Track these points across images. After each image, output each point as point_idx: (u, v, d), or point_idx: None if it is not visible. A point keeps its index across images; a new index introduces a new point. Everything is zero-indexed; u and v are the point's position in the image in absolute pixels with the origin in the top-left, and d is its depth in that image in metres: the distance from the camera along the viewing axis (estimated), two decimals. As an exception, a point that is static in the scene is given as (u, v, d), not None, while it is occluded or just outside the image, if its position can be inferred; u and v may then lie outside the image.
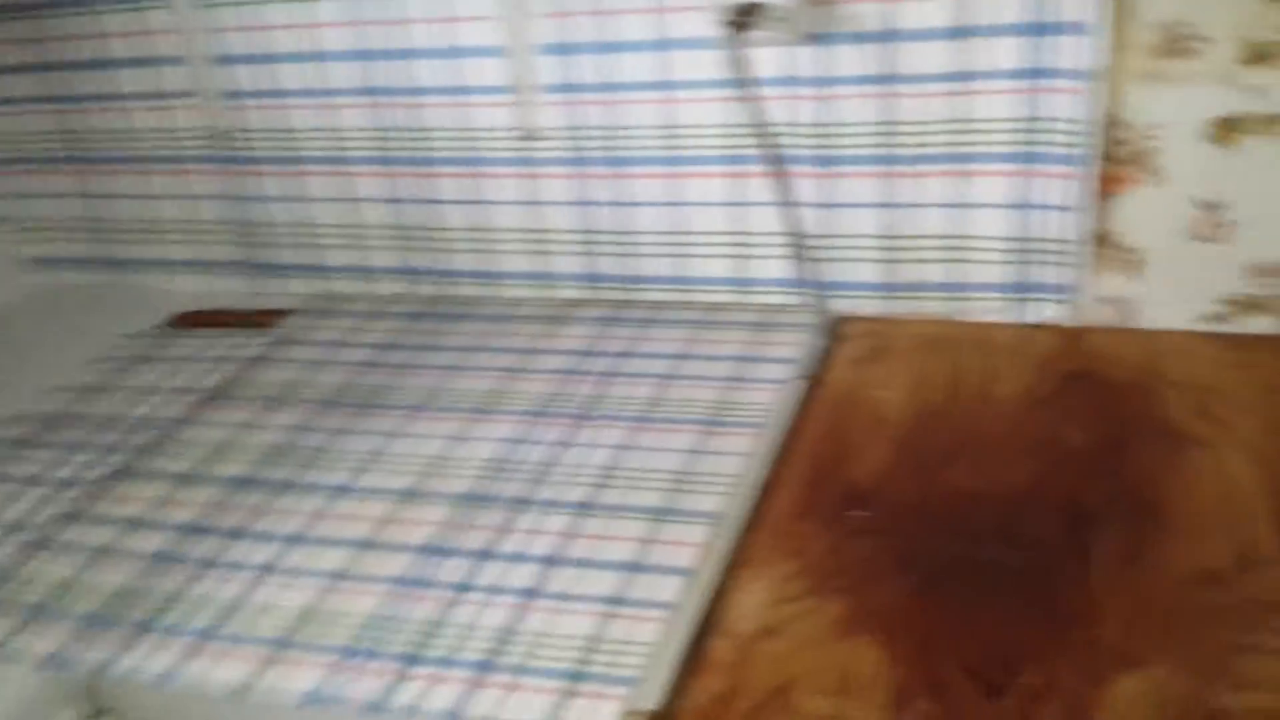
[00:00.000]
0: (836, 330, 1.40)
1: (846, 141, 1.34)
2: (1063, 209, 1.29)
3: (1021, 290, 1.36)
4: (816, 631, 0.94)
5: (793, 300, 1.45)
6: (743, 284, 1.47)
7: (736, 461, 1.17)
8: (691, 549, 1.05)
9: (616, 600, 1.00)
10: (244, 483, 1.23)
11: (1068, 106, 1.23)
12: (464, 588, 1.03)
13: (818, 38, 1.29)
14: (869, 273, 1.41)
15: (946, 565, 1.00)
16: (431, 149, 1.52)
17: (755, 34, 1.27)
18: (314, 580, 1.06)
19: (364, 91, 1.51)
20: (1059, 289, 1.34)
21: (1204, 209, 1.25)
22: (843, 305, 1.43)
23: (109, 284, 1.79)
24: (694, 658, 0.92)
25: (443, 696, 0.91)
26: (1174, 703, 0.84)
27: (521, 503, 1.14)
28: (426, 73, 1.47)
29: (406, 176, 1.55)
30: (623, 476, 1.16)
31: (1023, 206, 1.31)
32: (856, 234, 1.39)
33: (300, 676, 0.95)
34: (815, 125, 1.34)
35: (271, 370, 1.47)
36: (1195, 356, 1.27)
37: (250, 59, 1.54)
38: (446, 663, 0.95)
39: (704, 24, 1.32)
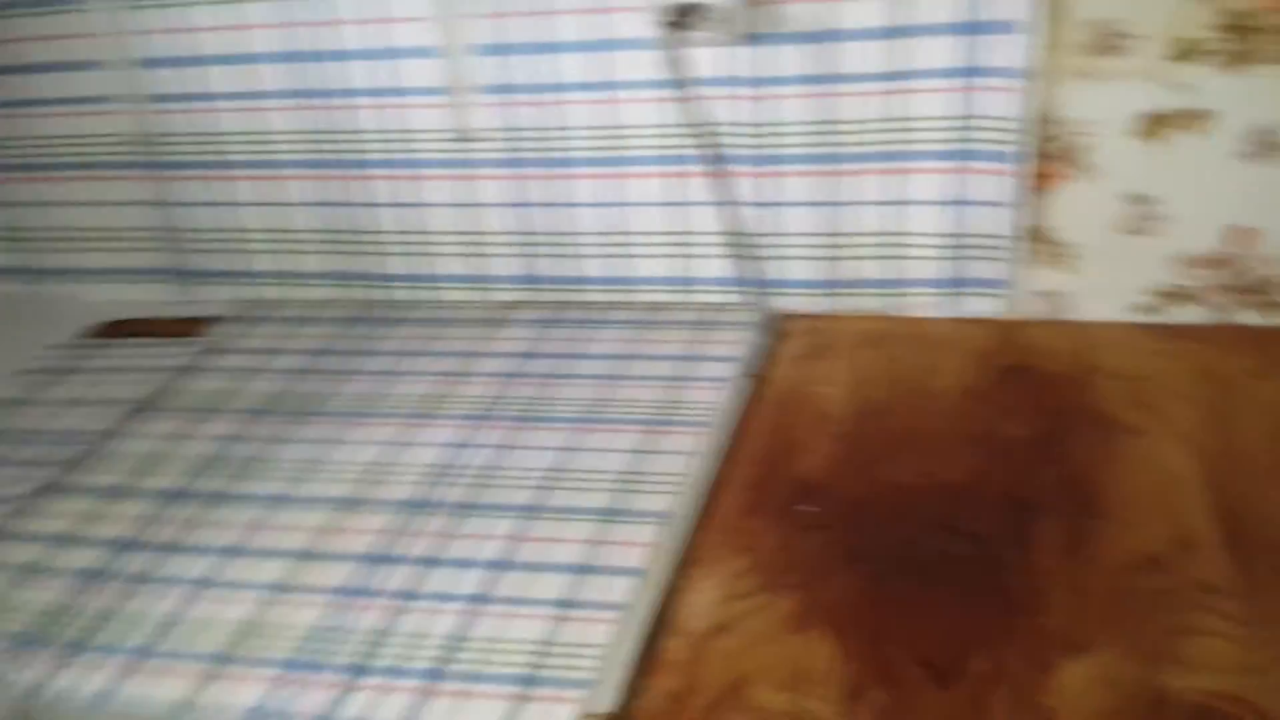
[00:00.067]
0: (778, 328, 1.41)
1: (785, 141, 1.34)
2: (998, 205, 1.31)
3: (958, 285, 1.38)
4: (769, 627, 0.94)
5: (734, 299, 1.45)
6: (684, 283, 1.47)
7: (683, 460, 1.16)
8: (641, 549, 1.04)
9: (567, 603, 0.98)
10: (176, 495, 1.19)
11: (1002, 104, 1.25)
12: (410, 596, 1.01)
13: (756, 38, 1.29)
14: (809, 270, 1.41)
15: (894, 558, 1.01)
16: (364, 151, 1.49)
17: (693, 34, 1.28)
18: (253, 593, 1.03)
19: (294, 94, 1.47)
20: (995, 284, 1.37)
21: (1134, 203, 1.28)
22: (784, 303, 1.44)
23: (30, 294, 1.73)
24: (648, 658, 0.92)
25: (393, 707, 0.90)
26: (1120, 686, 0.85)
27: (466, 508, 1.13)
28: (359, 74, 1.44)
29: (338, 179, 1.52)
30: (569, 479, 1.15)
31: (959, 203, 1.33)
32: (796, 232, 1.39)
33: (243, 692, 0.92)
34: (754, 125, 1.34)
35: (201, 379, 1.43)
36: (1128, 347, 1.30)
37: (176, 62, 1.49)
38: (395, 672, 0.93)
39: (642, 24, 1.31)
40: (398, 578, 1.04)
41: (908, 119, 1.30)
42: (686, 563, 1.02)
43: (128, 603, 1.03)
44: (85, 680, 0.95)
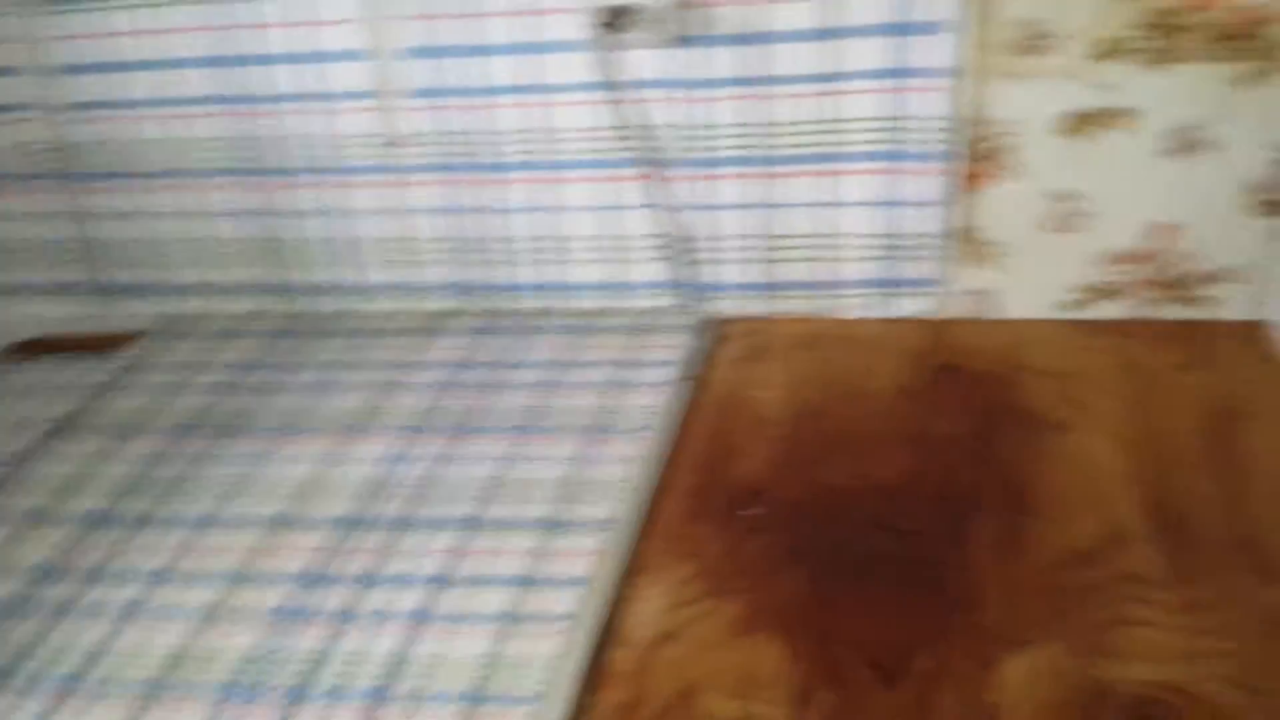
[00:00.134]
0: (715, 331, 1.41)
1: (719, 143, 1.34)
2: (927, 205, 1.33)
3: (890, 285, 1.39)
4: (716, 633, 0.94)
5: (670, 303, 1.45)
6: (619, 289, 1.46)
7: (624, 467, 1.15)
8: (585, 559, 1.03)
9: (511, 617, 0.97)
10: (100, 518, 1.15)
11: (931, 105, 1.27)
12: (349, 615, 0.99)
13: (688, 40, 1.29)
14: (745, 273, 1.42)
15: (836, 559, 1.02)
16: (290, 158, 1.46)
17: (626, 37, 1.27)
18: (185, 618, 1.00)
19: (217, 100, 1.44)
20: (926, 284, 1.38)
21: (1059, 201, 1.31)
22: (721, 306, 1.44)
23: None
24: (595, 670, 0.91)
25: (335, 730, 0.88)
26: (1060, 679, 0.87)
27: (404, 523, 1.11)
28: (285, 79, 1.41)
29: (264, 188, 1.48)
30: (509, 489, 1.14)
31: (889, 204, 1.34)
32: (731, 235, 1.40)
33: (179, 720, 0.89)
34: (688, 127, 1.34)
35: (122, 397, 1.39)
36: (1055, 344, 1.32)
37: (95, 68, 1.45)
38: (337, 694, 0.91)
39: (574, 26, 1.30)
40: (335, 597, 1.01)
41: (839, 120, 1.30)
42: (631, 571, 1.01)
43: (52, 633, 1.00)
44: (13, 713, 0.91)
